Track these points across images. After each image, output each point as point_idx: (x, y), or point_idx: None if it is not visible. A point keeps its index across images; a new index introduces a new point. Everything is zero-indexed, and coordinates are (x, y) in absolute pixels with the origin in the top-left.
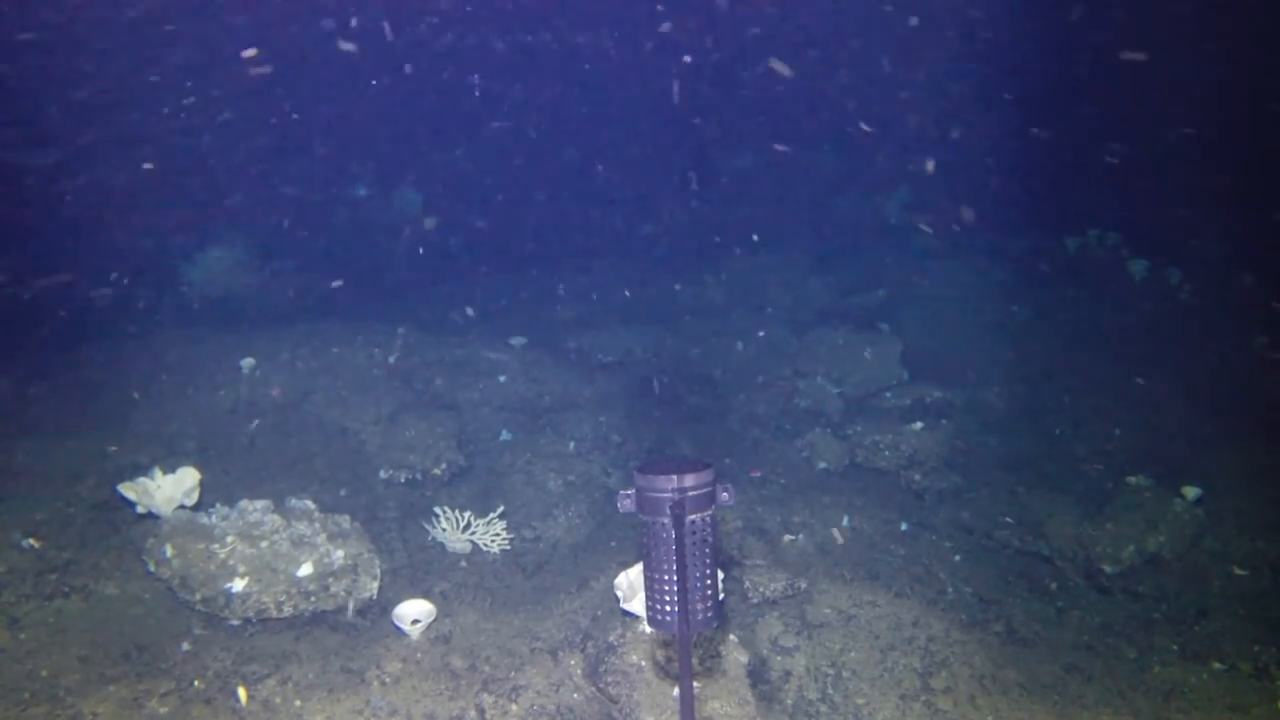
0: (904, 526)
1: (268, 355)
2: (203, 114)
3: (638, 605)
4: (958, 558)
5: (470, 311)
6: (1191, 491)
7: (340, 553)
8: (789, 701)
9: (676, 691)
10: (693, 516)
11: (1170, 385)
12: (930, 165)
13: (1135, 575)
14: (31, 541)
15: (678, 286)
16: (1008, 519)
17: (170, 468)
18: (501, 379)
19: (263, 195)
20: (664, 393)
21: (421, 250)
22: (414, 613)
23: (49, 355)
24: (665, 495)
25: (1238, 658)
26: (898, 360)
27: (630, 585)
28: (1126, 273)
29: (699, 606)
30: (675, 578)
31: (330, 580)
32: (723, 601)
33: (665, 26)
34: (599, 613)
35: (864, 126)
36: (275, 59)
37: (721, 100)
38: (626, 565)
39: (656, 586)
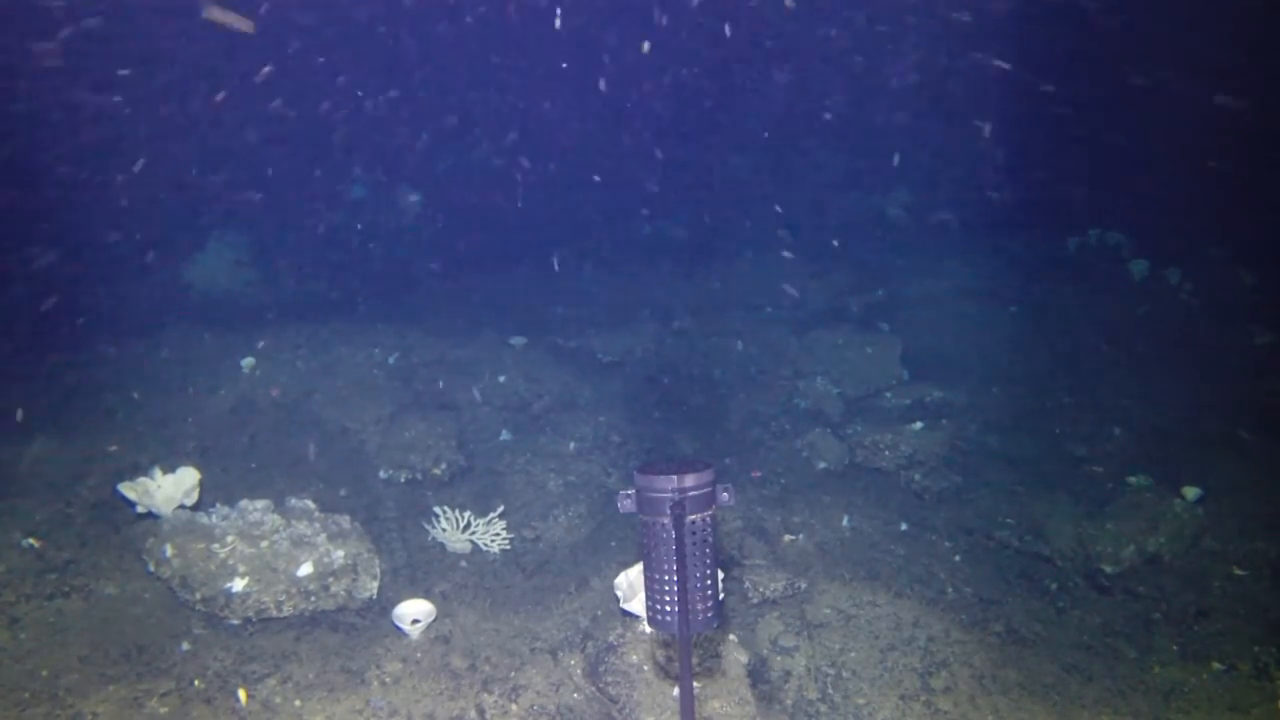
0: (904, 526)
1: (268, 355)
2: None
3: (638, 605)
4: (958, 558)
5: (470, 311)
6: (1191, 491)
7: (340, 552)
8: (789, 701)
9: (676, 691)
10: (693, 517)
11: (1170, 385)
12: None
13: (1135, 575)
14: (31, 541)
15: (677, 286)
16: (1008, 519)
17: (170, 468)
18: (501, 379)
19: (263, 195)
20: (664, 393)
21: (421, 250)
22: (414, 612)
23: (49, 355)
24: (665, 495)
25: (1238, 658)
26: (898, 360)
27: (630, 585)
28: (1126, 273)
29: (699, 606)
30: (675, 578)
31: (330, 580)
32: (723, 601)
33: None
34: (599, 613)
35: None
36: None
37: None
38: (626, 565)
39: (656, 586)
